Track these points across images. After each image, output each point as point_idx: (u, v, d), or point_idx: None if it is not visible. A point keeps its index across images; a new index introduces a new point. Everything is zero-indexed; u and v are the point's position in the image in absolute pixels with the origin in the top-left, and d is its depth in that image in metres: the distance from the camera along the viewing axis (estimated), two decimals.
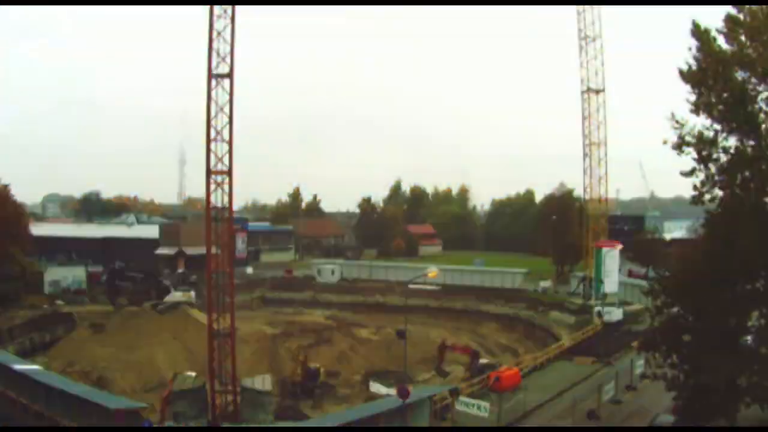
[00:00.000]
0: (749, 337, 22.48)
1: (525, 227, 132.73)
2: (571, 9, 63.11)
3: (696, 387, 20.90)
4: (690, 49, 19.76)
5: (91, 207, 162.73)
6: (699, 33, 19.61)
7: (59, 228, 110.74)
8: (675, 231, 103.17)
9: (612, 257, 57.72)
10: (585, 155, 64.12)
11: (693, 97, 19.99)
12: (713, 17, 20.12)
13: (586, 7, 62.21)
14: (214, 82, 33.36)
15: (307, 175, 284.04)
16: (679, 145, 20.00)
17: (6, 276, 59.64)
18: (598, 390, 33.55)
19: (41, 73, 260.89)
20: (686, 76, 19.93)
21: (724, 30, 19.28)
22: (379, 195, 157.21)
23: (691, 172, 20.26)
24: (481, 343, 66.22)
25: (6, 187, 62.59)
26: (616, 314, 53.28)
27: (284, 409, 37.75)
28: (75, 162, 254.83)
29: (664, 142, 20.43)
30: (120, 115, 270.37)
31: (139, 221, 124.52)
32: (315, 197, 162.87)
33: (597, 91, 63.14)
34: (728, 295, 20.56)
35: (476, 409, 30.52)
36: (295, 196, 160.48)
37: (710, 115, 19.70)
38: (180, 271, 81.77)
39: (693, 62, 19.85)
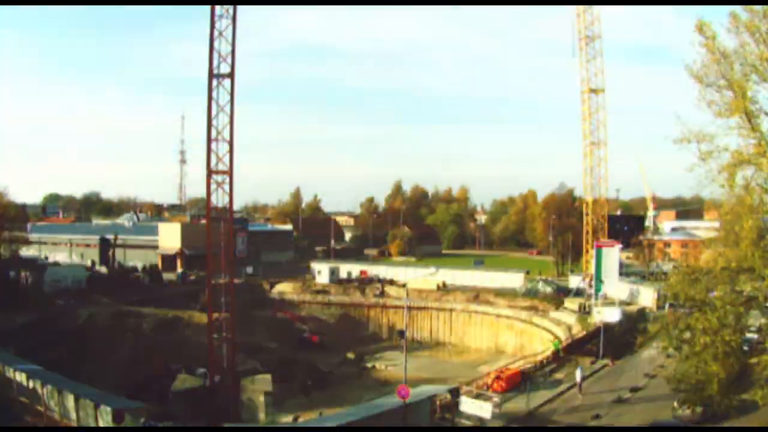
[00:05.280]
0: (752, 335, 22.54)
1: (525, 227, 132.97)
2: (571, 9, 63.25)
3: (697, 382, 20.94)
4: (693, 44, 19.78)
5: (91, 207, 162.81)
6: (702, 29, 19.61)
7: (59, 228, 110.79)
8: (675, 231, 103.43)
9: (612, 257, 57.63)
10: (585, 155, 64.15)
11: (697, 93, 19.98)
12: (715, 16, 20.15)
13: (586, 7, 62.26)
14: (215, 82, 33.42)
15: (307, 175, 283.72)
16: (681, 141, 20.01)
17: (6, 276, 59.62)
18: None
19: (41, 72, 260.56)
20: (691, 70, 19.92)
21: (728, 27, 19.31)
22: (380, 195, 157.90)
23: (691, 168, 20.23)
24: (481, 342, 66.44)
25: (6, 187, 62.73)
26: (615, 314, 53.21)
27: None
28: (75, 162, 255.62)
29: (665, 138, 20.43)
30: (121, 114, 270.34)
31: (139, 221, 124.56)
32: (315, 197, 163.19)
33: (597, 91, 63.18)
34: (729, 293, 20.57)
35: (479, 409, 30.54)
36: (296, 196, 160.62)
37: (712, 111, 19.72)
38: (180, 271, 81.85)
39: (698, 57, 19.85)
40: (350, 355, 61.28)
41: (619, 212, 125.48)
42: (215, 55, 33.29)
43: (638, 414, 31.41)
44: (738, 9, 19.15)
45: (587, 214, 65.03)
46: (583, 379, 35.94)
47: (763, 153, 19.49)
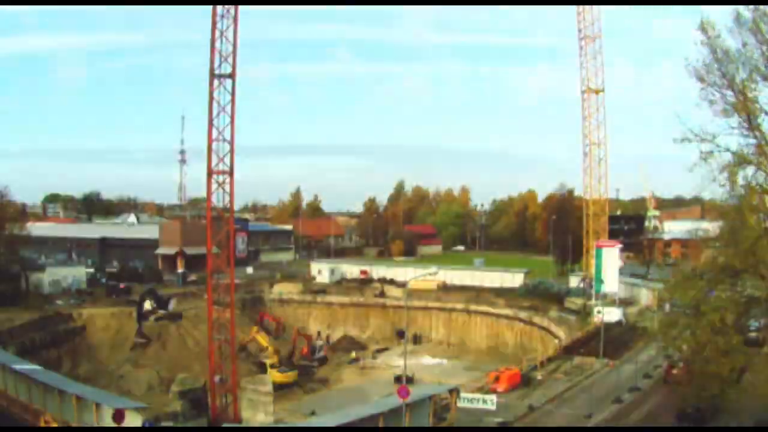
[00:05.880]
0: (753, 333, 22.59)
1: (525, 227, 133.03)
2: (571, 9, 63.31)
3: (695, 380, 21.02)
4: (696, 44, 19.82)
5: (92, 207, 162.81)
6: (705, 28, 19.65)
7: (59, 228, 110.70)
8: (675, 231, 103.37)
9: (612, 257, 57.70)
10: (585, 155, 64.18)
11: (698, 92, 20.03)
12: (715, 16, 20.16)
13: (586, 7, 62.29)
14: (216, 82, 33.40)
15: (308, 174, 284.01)
16: (681, 140, 20.03)
17: (6, 276, 59.58)
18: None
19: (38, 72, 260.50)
20: (693, 69, 19.96)
21: (730, 27, 19.35)
22: (381, 195, 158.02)
23: (692, 168, 20.25)
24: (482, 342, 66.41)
25: (6, 187, 62.65)
26: (615, 314, 53.28)
27: None
28: (75, 162, 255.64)
29: (666, 138, 20.51)
30: (119, 115, 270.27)
31: (139, 221, 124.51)
32: (315, 197, 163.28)
33: (597, 91, 63.18)
34: (728, 292, 20.64)
35: (482, 403, 30.58)
36: (296, 196, 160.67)
37: (713, 111, 19.76)
38: (180, 271, 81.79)
39: (700, 57, 19.89)
40: (352, 355, 61.40)
41: (619, 212, 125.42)
42: (216, 56, 33.28)
43: (637, 414, 31.45)
44: (741, 9, 19.19)
45: (587, 215, 65.04)
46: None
47: (763, 153, 19.53)
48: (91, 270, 75.70)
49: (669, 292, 24.13)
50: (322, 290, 78.21)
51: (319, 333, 66.65)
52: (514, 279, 77.15)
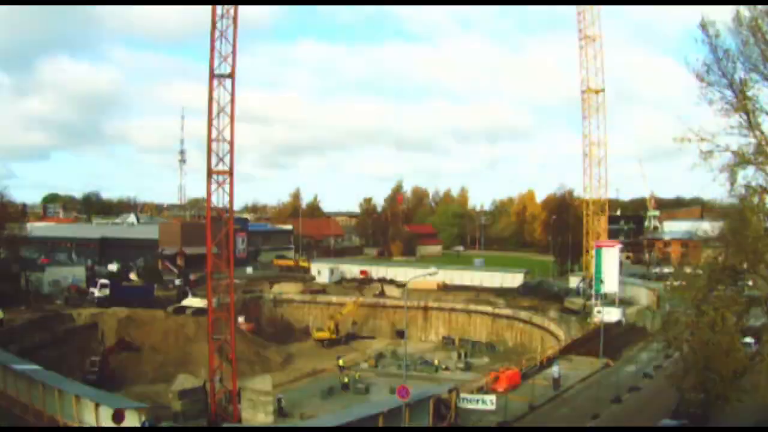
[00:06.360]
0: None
1: (524, 227, 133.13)
2: (571, 9, 63.32)
3: (696, 381, 21.00)
4: (696, 42, 19.83)
5: (92, 207, 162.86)
6: (705, 27, 19.66)
7: (59, 228, 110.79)
8: (675, 231, 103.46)
9: (612, 257, 57.73)
10: (585, 155, 64.15)
11: (698, 92, 20.03)
12: (717, 16, 20.18)
13: (586, 7, 62.30)
14: (215, 82, 33.38)
15: (308, 175, 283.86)
16: (681, 140, 20.02)
17: (6, 276, 59.61)
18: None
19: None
20: (693, 68, 19.97)
21: (730, 26, 19.37)
22: (381, 195, 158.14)
23: (692, 168, 20.28)
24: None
25: (6, 187, 62.83)
26: (615, 314, 53.29)
27: None
28: (75, 162, 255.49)
29: (666, 137, 20.57)
30: (119, 115, 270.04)
31: (139, 221, 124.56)
32: (315, 197, 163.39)
33: (597, 91, 63.16)
34: (729, 292, 20.62)
35: (481, 403, 30.61)
36: (296, 196, 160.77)
37: (712, 110, 19.76)
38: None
39: (700, 56, 19.91)
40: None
41: (619, 212, 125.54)
42: (216, 55, 33.26)
43: (637, 414, 31.42)
44: (741, 8, 19.20)
45: (587, 215, 65.07)
46: (559, 376, 36.45)
47: (763, 153, 19.52)
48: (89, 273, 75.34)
49: (669, 292, 24.11)
50: (322, 290, 78.25)
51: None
52: (514, 279, 77.19)
